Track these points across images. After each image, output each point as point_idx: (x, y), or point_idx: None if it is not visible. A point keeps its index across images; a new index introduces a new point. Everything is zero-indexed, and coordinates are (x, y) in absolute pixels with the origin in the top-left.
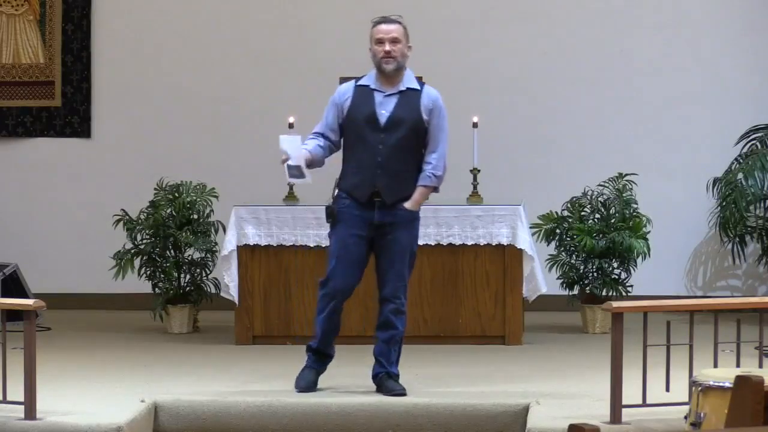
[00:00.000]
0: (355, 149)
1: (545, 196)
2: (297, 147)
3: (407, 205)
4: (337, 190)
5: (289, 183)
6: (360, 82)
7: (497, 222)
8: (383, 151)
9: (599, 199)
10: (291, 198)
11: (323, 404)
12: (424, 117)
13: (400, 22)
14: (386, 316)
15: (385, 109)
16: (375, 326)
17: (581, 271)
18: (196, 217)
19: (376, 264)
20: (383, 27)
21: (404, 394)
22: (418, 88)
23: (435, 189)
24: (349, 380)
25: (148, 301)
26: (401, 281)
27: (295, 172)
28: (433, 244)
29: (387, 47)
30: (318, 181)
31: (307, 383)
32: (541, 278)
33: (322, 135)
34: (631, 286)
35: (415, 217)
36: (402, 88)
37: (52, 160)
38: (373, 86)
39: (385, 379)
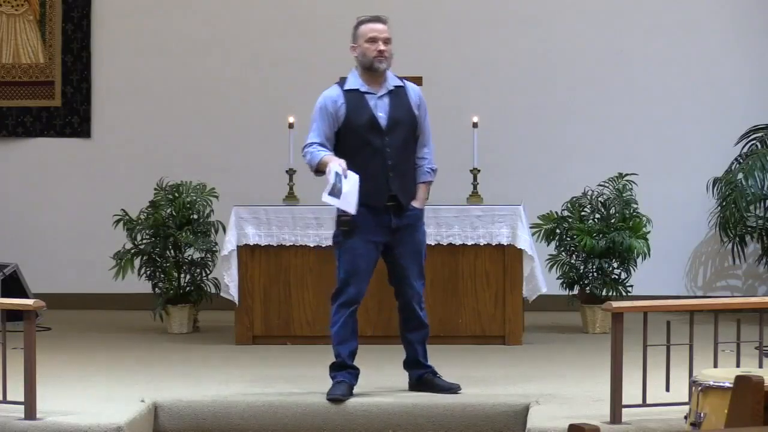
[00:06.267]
0: (360, 156)
1: (545, 196)
2: (353, 184)
3: (415, 203)
4: None
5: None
6: (347, 86)
7: (497, 222)
8: (391, 154)
9: (599, 199)
10: (291, 198)
11: (323, 404)
12: (416, 113)
13: (387, 24)
14: (417, 317)
15: (381, 111)
16: (403, 329)
17: (581, 271)
18: (196, 217)
19: (396, 267)
20: (378, 26)
21: (460, 389)
22: (402, 84)
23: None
24: None
25: (148, 301)
26: (423, 279)
27: (335, 192)
28: (433, 244)
29: (382, 46)
30: (318, 180)
31: (341, 392)
32: (541, 278)
33: (324, 145)
34: (631, 286)
35: (423, 214)
36: (390, 87)
37: (52, 160)
38: (362, 89)
39: (433, 378)
